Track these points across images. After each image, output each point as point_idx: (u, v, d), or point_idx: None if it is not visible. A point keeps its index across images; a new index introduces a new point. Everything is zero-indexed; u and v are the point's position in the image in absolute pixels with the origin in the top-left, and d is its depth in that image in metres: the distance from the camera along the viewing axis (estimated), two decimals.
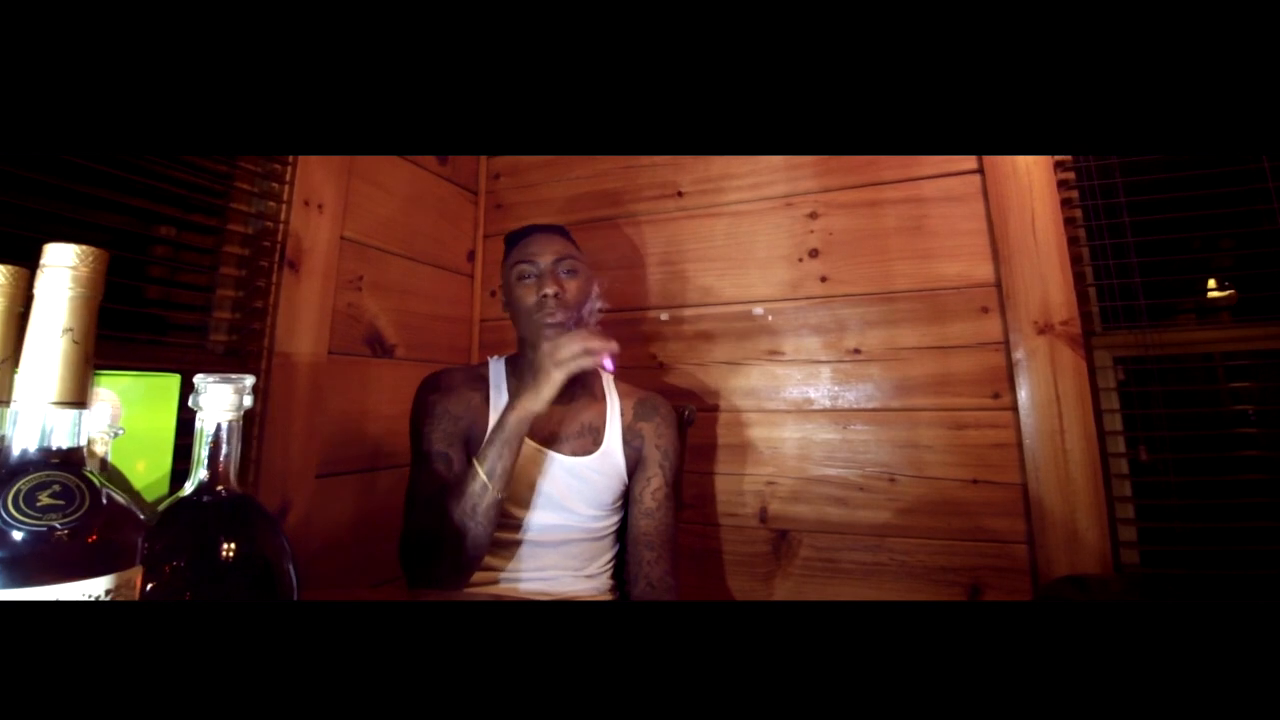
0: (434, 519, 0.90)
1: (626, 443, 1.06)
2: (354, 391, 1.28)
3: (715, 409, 1.39)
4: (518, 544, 1.00)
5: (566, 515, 1.01)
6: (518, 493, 0.99)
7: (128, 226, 1.01)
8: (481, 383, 1.05)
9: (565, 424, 1.04)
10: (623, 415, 1.07)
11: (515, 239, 1.07)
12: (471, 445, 1.01)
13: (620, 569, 1.12)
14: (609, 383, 1.11)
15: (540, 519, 1.00)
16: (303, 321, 1.17)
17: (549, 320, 0.97)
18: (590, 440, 1.04)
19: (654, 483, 1.05)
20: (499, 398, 1.03)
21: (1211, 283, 1.25)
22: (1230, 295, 1.24)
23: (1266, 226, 1.08)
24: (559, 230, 1.07)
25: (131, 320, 1.00)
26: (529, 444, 1.00)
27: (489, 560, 1.00)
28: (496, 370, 1.07)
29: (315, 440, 1.18)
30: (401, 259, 1.44)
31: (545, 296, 0.98)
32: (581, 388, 1.06)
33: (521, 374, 1.04)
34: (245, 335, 1.11)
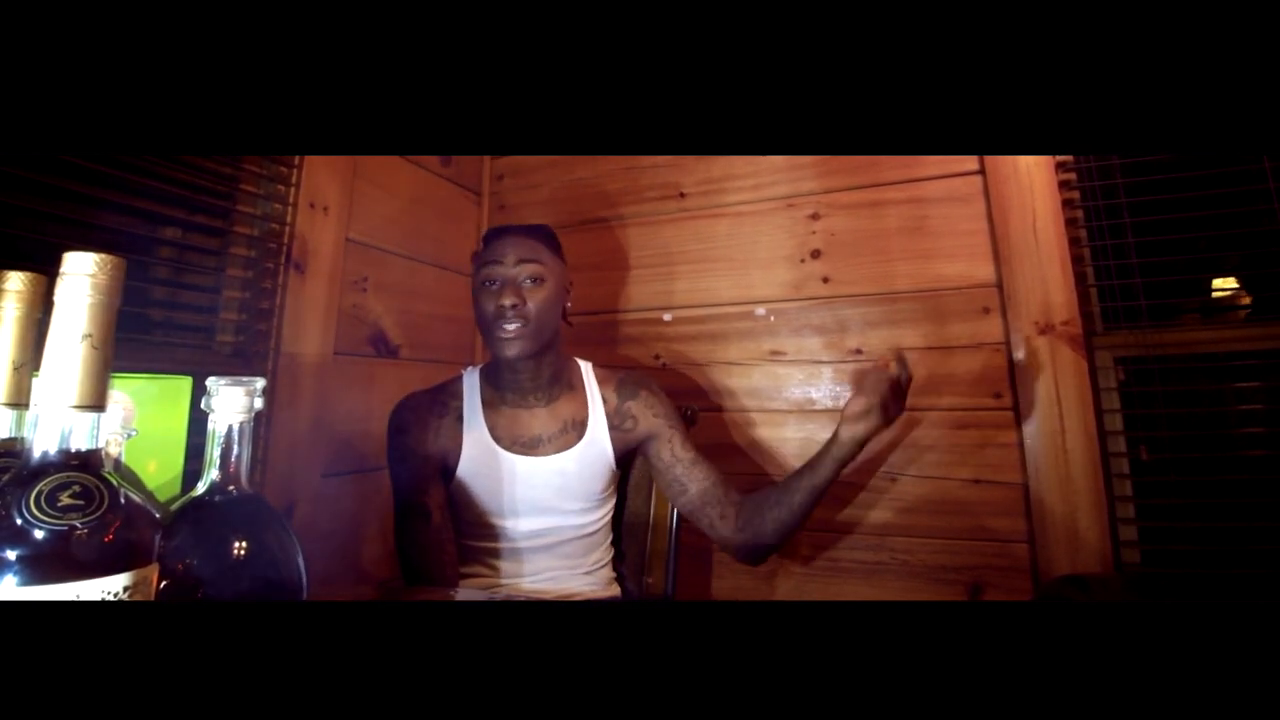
0: (420, 575, 0.92)
1: (614, 427, 1.03)
2: (359, 392, 1.29)
3: (718, 409, 1.40)
4: (511, 551, 1.00)
5: (553, 517, 1.00)
6: (501, 506, 0.98)
7: (133, 229, 1.01)
8: (453, 400, 1.03)
9: (545, 427, 1.02)
10: (605, 402, 1.05)
11: (488, 237, 1.03)
12: (447, 471, 0.99)
13: (619, 561, 1.13)
14: (588, 371, 1.08)
15: (527, 525, 0.99)
16: (308, 322, 1.18)
17: (504, 335, 0.94)
18: (574, 435, 1.02)
19: (674, 439, 1.02)
20: (473, 413, 1.01)
21: (1230, 282, 1.25)
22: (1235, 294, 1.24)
23: (1267, 226, 1.09)
24: (533, 231, 1.01)
25: (138, 322, 1.01)
26: (507, 456, 0.98)
27: (485, 570, 1.01)
28: (470, 383, 1.04)
29: (321, 440, 1.19)
30: (406, 260, 1.44)
31: (503, 307, 0.93)
32: (560, 385, 1.04)
33: (496, 378, 1.02)
34: (251, 336, 1.12)
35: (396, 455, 0.99)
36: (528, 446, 1.00)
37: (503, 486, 0.99)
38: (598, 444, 1.02)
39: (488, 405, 1.02)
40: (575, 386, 1.06)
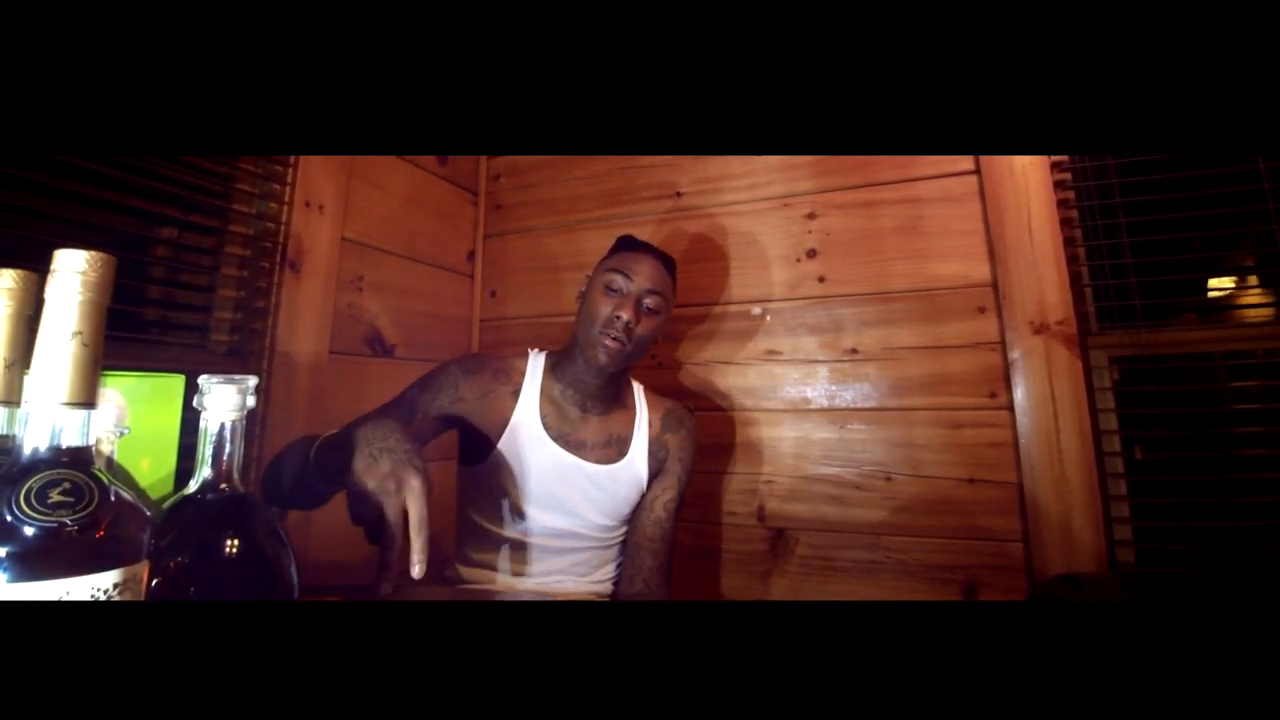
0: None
1: (651, 454, 1.06)
2: (354, 391, 1.29)
3: (713, 408, 1.40)
4: (526, 546, 1.00)
5: (579, 522, 1.01)
6: (531, 492, 0.99)
7: (129, 228, 1.01)
8: (515, 375, 1.04)
9: (593, 434, 1.04)
10: (650, 426, 1.07)
11: (625, 246, 1.04)
12: (475, 434, 1.00)
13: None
14: (639, 392, 1.11)
15: (550, 521, 1.00)
16: (304, 321, 1.18)
17: (608, 341, 0.96)
18: (615, 450, 1.04)
19: (669, 493, 1.06)
20: (530, 394, 1.02)
21: (1226, 281, 1.25)
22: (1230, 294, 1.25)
23: (1260, 227, 1.09)
24: (667, 261, 1.04)
25: (134, 321, 1.01)
26: (554, 449, 1.00)
27: (496, 560, 1.01)
28: (535, 365, 1.05)
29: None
30: (402, 259, 1.44)
31: (618, 318, 0.95)
32: (614, 400, 1.06)
33: (563, 372, 1.04)
34: (247, 335, 1.12)
35: (437, 376, 0.99)
36: (572, 446, 1.02)
37: (537, 473, 0.99)
38: (634, 466, 1.04)
39: (544, 394, 1.03)
40: (627, 405, 1.09)
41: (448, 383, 1.00)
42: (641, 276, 0.98)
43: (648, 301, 0.98)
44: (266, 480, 0.85)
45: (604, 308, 0.97)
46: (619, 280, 0.98)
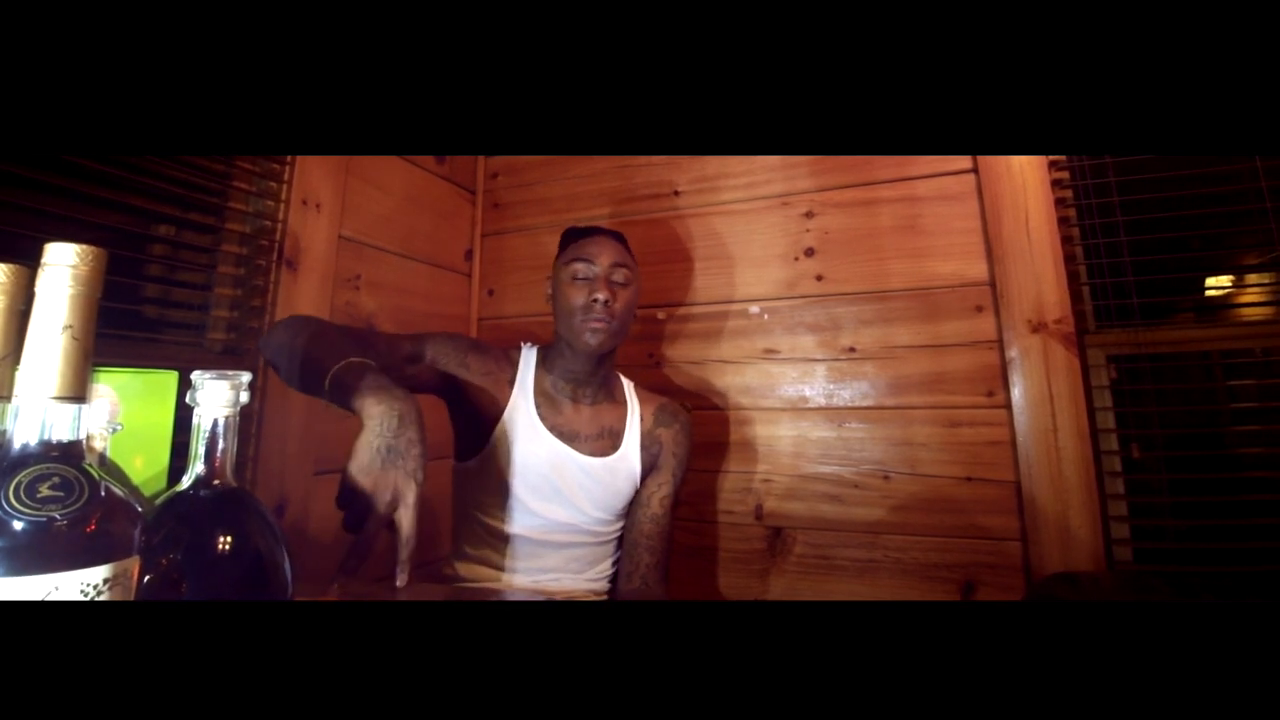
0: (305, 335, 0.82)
1: (644, 448, 1.07)
2: None
3: (711, 407, 1.40)
4: (523, 540, 1.00)
5: (574, 514, 1.01)
6: (532, 484, 1.00)
7: (127, 225, 1.01)
8: (510, 365, 1.06)
9: (587, 424, 1.05)
10: (642, 421, 1.09)
11: (575, 235, 1.07)
12: (469, 414, 1.02)
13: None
14: (629, 388, 1.13)
15: (549, 514, 1.00)
16: None
17: (593, 325, 0.99)
18: (609, 443, 1.05)
19: (664, 489, 1.07)
20: (524, 384, 1.04)
21: (1224, 280, 1.25)
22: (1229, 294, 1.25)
23: (1258, 226, 1.09)
24: (619, 236, 1.07)
25: (130, 319, 1.01)
26: (550, 438, 1.01)
27: (489, 554, 1.01)
28: (527, 357, 1.08)
29: (313, 437, 1.18)
30: (399, 258, 1.44)
31: (595, 301, 0.98)
32: (604, 392, 1.08)
33: (553, 364, 1.06)
34: (243, 334, 1.12)
35: (449, 341, 1.03)
36: (567, 436, 1.03)
37: (534, 462, 1.00)
38: (628, 459, 1.06)
39: (538, 386, 1.05)
40: (618, 399, 1.11)
41: (460, 346, 1.04)
42: (603, 257, 1.01)
43: (616, 276, 1.01)
44: (272, 342, 0.87)
45: (578, 297, 1.00)
46: (583, 267, 1.01)
